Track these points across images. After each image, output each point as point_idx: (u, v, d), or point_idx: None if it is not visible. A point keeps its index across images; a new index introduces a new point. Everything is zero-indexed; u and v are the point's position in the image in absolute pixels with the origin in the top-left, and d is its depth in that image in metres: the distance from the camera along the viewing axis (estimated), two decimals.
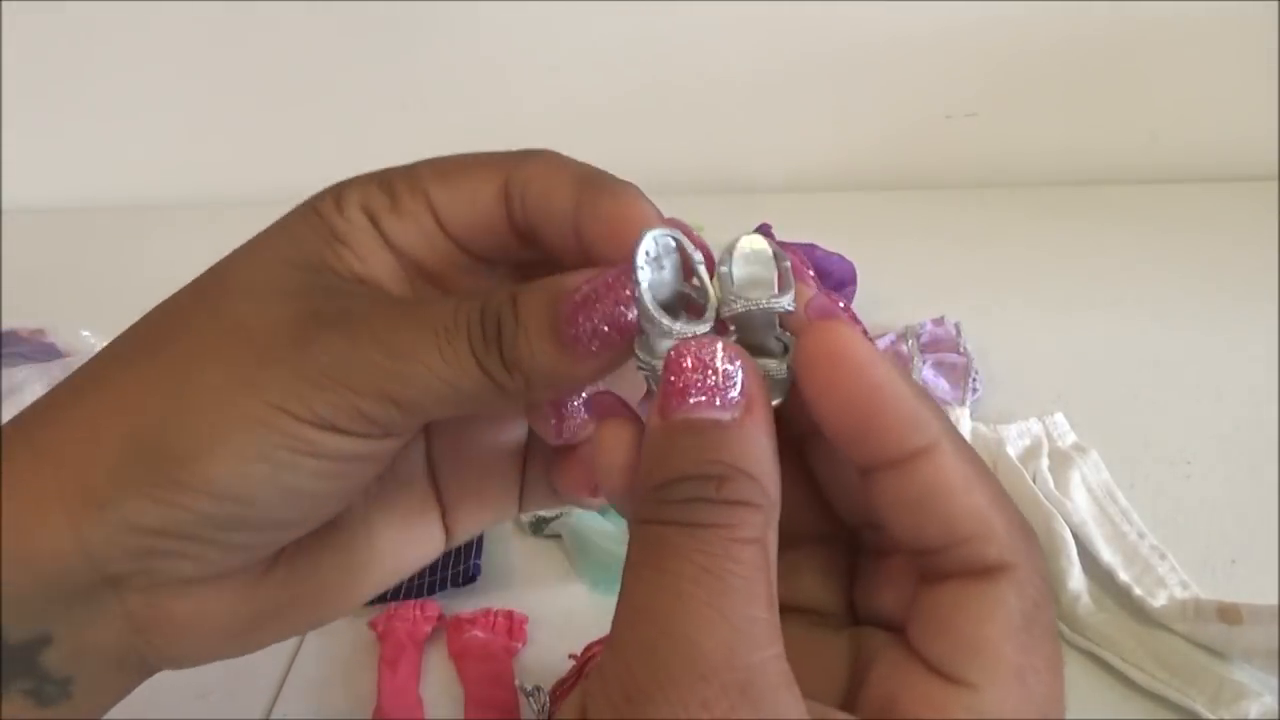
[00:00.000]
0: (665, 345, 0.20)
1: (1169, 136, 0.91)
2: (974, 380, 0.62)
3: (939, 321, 0.67)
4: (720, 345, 0.19)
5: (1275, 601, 0.43)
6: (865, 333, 0.20)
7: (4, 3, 0.92)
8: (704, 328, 0.20)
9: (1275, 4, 0.82)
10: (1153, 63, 0.87)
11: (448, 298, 0.23)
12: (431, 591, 0.51)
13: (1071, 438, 0.57)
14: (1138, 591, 0.47)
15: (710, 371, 0.18)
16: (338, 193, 0.24)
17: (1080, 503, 0.52)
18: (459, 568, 0.52)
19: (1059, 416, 0.58)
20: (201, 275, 0.24)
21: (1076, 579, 0.48)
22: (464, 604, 0.51)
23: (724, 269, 0.21)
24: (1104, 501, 0.53)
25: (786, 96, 0.93)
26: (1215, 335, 0.68)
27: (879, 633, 0.21)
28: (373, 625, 0.50)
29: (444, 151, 0.25)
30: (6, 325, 0.74)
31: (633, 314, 0.20)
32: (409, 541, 0.28)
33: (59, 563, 0.21)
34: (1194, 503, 0.54)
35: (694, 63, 0.92)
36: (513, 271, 0.27)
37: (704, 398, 0.18)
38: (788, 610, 0.22)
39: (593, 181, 0.23)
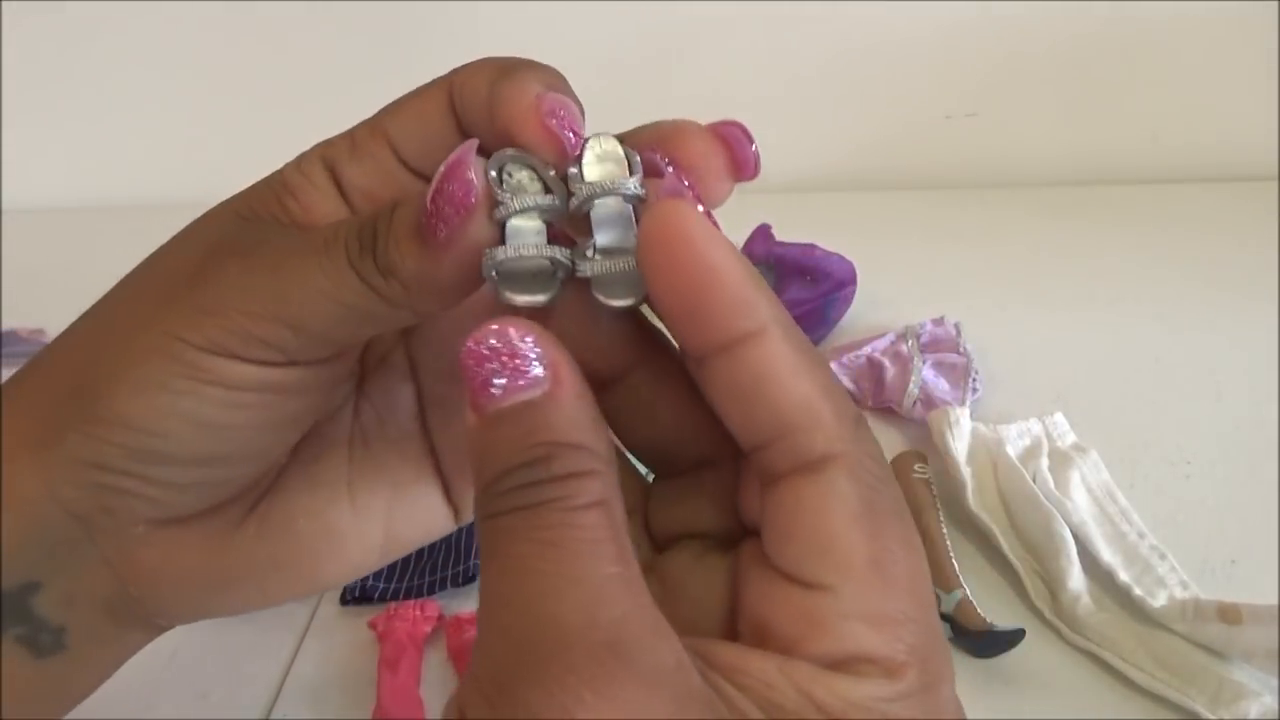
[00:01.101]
0: (518, 223, 0.20)
1: (1169, 136, 0.91)
2: (974, 380, 0.62)
3: (939, 321, 0.67)
4: (511, 326, 0.18)
5: (1275, 601, 0.43)
6: (710, 215, 0.19)
7: (4, 3, 0.92)
8: (547, 200, 0.20)
9: (1275, 4, 0.82)
10: (1153, 63, 0.87)
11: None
12: (431, 591, 0.51)
13: (1071, 438, 0.57)
14: (1138, 591, 0.47)
15: (506, 355, 0.18)
16: (305, 153, 0.24)
17: (1080, 503, 0.52)
18: (459, 568, 0.52)
19: (1059, 416, 0.58)
20: None
21: (1076, 579, 0.48)
22: (464, 604, 0.51)
23: (573, 170, 0.20)
24: (1104, 501, 0.53)
25: (786, 96, 0.93)
26: (1215, 335, 0.68)
27: (752, 542, 0.20)
28: (372, 625, 0.50)
29: None
30: (6, 325, 0.74)
31: (474, 194, 0.20)
32: (404, 512, 0.28)
33: (35, 509, 0.22)
34: (1194, 503, 0.54)
35: (694, 63, 0.92)
36: None
37: (506, 382, 0.18)
38: (678, 538, 0.22)
39: (506, 70, 0.22)
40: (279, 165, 0.24)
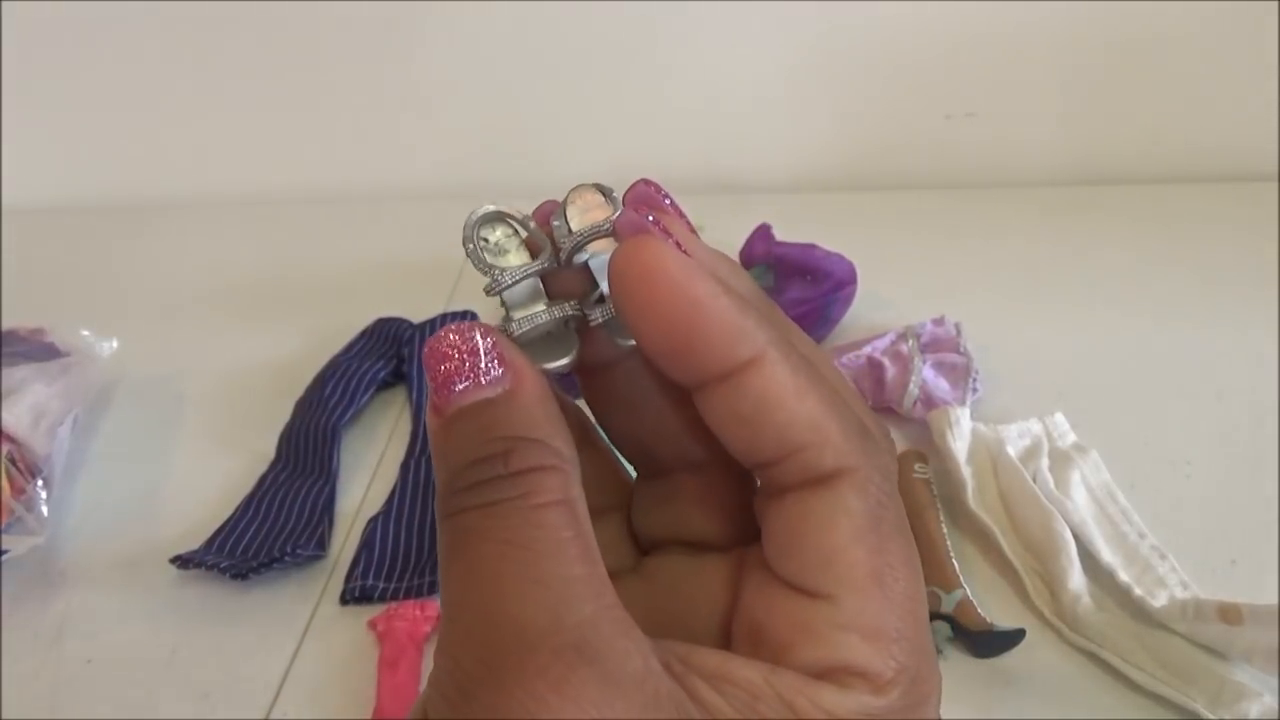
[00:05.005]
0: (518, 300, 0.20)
1: (1169, 136, 0.91)
2: (974, 380, 0.62)
3: (939, 321, 0.67)
4: (474, 327, 0.18)
5: (1275, 601, 0.43)
6: (680, 245, 0.19)
7: (4, 2, 0.92)
8: (537, 265, 0.20)
9: (1275, 4, 0.82)
10: (1153, 63, 0.87)
11: None
12: (431, 591, 0.51)
13: (1071, 438, 0.57)
14: (1138, 591, 0.47)
15: (468, 354, 0.18)
16: None
17: (1080, 503, 0.52)
18: None
19: (1059, 416, 0.58)
20: None
21: (1076, 579, 0.48)
22: None
23: (557, 222, 0.20)
24: (1104, 501, 0.53)
25: (787, 96, 0.93)
26: (1215, 336, 0.68)
27: (754, 549, 0.20)
28: (372, 625, 0.50)
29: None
30: (6, 325, 0.74)
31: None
32: None
33: None
34: (1194, 503, 0.54)
35: (694, 63, 0.92)
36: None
37: (469, 382, 0.18)
38: (666, 542, 0.22)
39: None
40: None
